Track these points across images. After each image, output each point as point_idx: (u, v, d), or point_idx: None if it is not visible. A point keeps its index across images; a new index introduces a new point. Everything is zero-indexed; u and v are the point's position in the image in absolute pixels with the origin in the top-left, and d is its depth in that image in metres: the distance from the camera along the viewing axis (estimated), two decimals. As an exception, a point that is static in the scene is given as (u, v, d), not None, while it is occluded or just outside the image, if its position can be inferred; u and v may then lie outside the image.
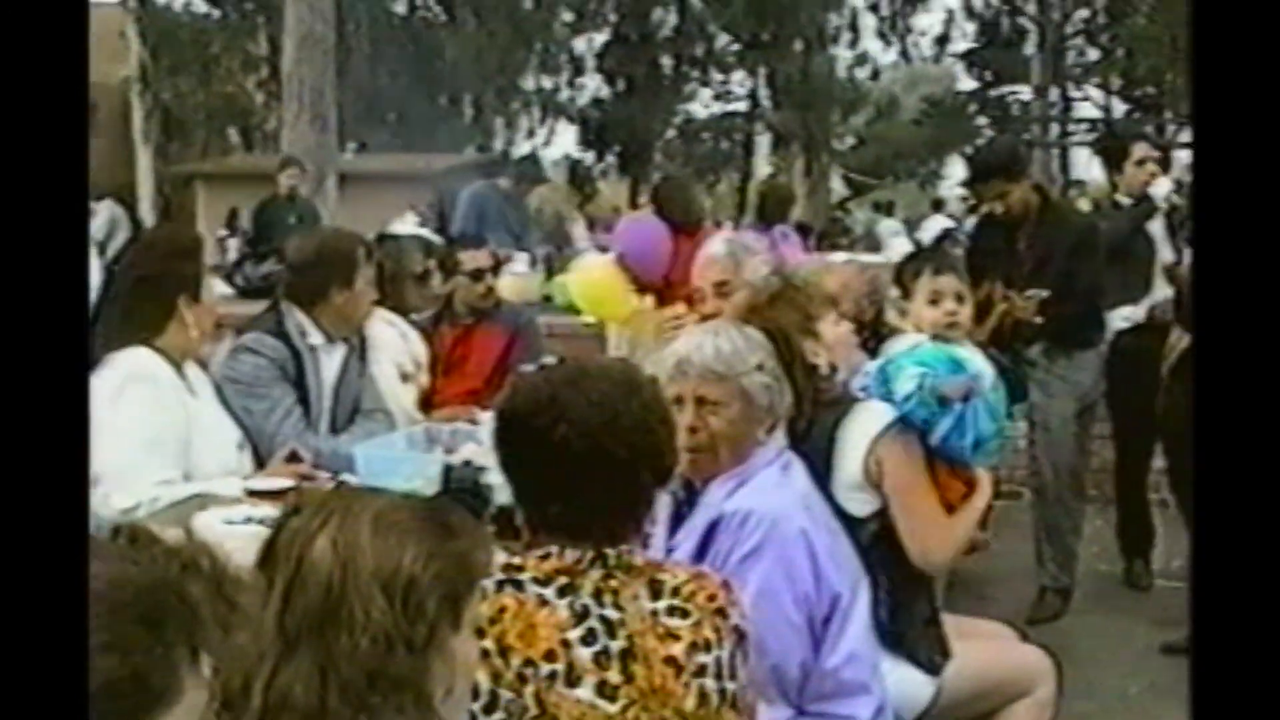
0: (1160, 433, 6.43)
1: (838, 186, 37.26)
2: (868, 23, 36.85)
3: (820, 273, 5.30)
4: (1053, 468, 6.57)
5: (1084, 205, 7.84)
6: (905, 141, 39.80)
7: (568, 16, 35.48)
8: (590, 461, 2.56)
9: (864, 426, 3.85)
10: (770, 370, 3.45)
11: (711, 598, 2.62)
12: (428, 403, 5.52)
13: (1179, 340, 5.97)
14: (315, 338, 4.62)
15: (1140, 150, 7.04)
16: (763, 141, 37.45)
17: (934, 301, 5.14)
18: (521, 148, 32.62)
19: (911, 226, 23.05)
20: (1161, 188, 6.83)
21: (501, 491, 3.59)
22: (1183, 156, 8.98)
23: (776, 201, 10.09)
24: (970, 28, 36.97)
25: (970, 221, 12.58)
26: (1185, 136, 28.14)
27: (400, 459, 4.20)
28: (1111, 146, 7.40)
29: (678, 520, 3.35)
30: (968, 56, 37.33)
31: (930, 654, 3.87)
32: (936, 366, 3.91)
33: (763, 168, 37.36)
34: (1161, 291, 6.72)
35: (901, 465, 3.82)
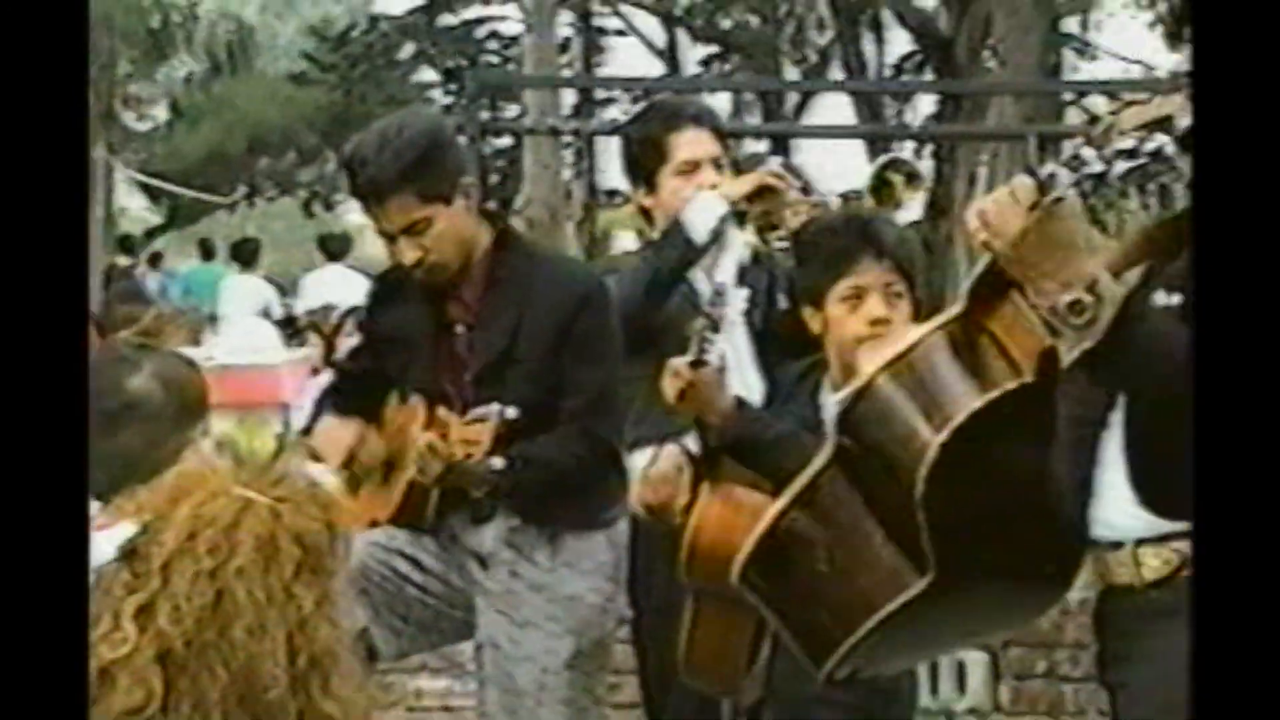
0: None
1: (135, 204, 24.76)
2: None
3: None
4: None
5: (625, 240, 4.71)
6: (263, 116, 23.97)
7: None
8: None
9: None
10: None
11: None
12: None
13: (709, 504, 3.27)
14: None
15: (689, 142, 3.95)
16: None
17: None
18: None
19: (285, 290, 14.00)
20: (709, 210, 3.87)
21: None
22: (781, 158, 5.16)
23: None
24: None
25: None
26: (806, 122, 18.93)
27: None
28: (635, 136, 4.16)
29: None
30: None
31: None
32: None
33: None
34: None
35: None
